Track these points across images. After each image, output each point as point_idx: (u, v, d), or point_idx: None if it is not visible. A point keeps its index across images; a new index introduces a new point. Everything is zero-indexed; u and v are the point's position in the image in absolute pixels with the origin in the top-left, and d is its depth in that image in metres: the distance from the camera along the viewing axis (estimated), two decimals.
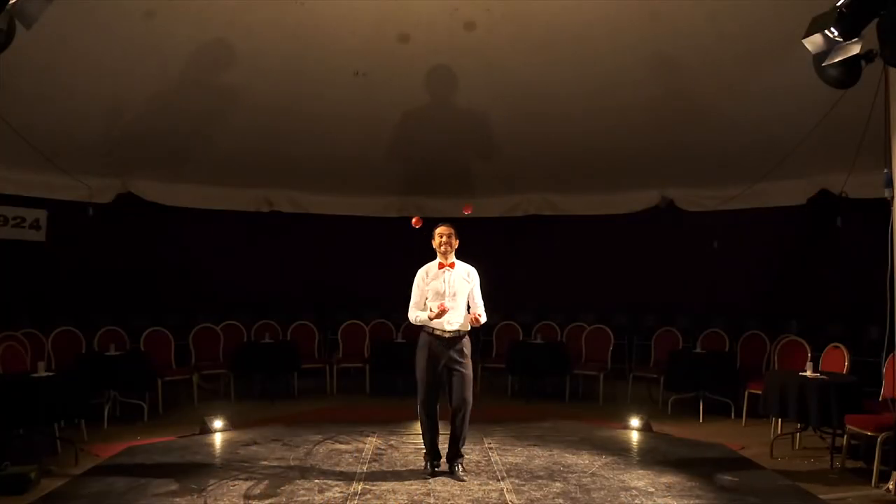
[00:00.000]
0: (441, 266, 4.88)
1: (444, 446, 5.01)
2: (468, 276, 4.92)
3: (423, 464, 5.04)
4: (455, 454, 4.94)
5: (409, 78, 7.57)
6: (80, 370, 6.39)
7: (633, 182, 9.16)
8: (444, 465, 4.98)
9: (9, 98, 6.36)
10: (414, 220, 4.90)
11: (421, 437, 5.05)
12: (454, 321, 4.79)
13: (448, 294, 4.79)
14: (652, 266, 9.73)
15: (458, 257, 4.96)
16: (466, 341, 4.89)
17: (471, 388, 4.86)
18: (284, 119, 7.99)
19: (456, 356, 4.79)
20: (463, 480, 4.77)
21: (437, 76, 7.59)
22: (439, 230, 4.91)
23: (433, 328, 4.81)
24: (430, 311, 4.71)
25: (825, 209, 7.78)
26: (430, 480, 4.80)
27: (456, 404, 4.83)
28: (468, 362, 4.85)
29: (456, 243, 4.91)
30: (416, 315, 4.87)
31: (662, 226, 9.52)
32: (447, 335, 4.80)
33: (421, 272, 4.93)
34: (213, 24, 6.65)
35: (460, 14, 6.77)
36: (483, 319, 4.78)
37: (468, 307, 4.90)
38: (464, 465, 4.98)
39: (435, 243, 4.90)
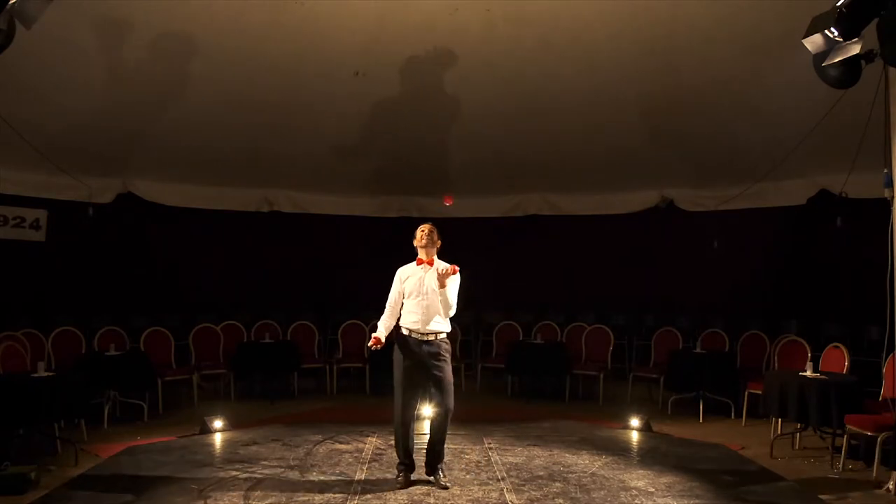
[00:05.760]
0: (419, 262, 4.74)
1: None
2: None
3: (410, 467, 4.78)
4: (435, 461, 4.72)
5: (409, 78, 7.56)
6: (80, 370, 6.38)
7: (632, 182, 9.17)
8: (420, 475, 4.78)
9: (9, 97, 6.36)
10: (446, 199, 4.75)
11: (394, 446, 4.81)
12: (431, 321, 4.61)
13: (422, 292, 4.63)
14: (652, 266, 9.73)
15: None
16: (445, 343, 4.67)
17: (451, 394, 4.60)
18: (284, 119, 7.99)
19: (433, 359, 4.57)
20: (447, 488, 4.58)
21: (437, 76, 7.59)
22: (421, 227, 4.80)
23: (409, 329, 4.64)
24: (378, 331, 4.66)
25: (825, 209, 7.79)
26: (430, 480, 4.76)
27: (435, 410, 4.65)
28: (448, 366, 4.62)
29: (438, 242, 4.75)
30: (383, 317, 4.78)
31: (662, 226, 9.53)
32: (424, 337, 4.61)
33: (399, 270, 4.79)
34: (213, 24, 6.65)
35: (460, 14, 6.77)
36: (453, 287, 4.55)
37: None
38: (444, 471, 4.76)
39: (416, 239, 4.75)
